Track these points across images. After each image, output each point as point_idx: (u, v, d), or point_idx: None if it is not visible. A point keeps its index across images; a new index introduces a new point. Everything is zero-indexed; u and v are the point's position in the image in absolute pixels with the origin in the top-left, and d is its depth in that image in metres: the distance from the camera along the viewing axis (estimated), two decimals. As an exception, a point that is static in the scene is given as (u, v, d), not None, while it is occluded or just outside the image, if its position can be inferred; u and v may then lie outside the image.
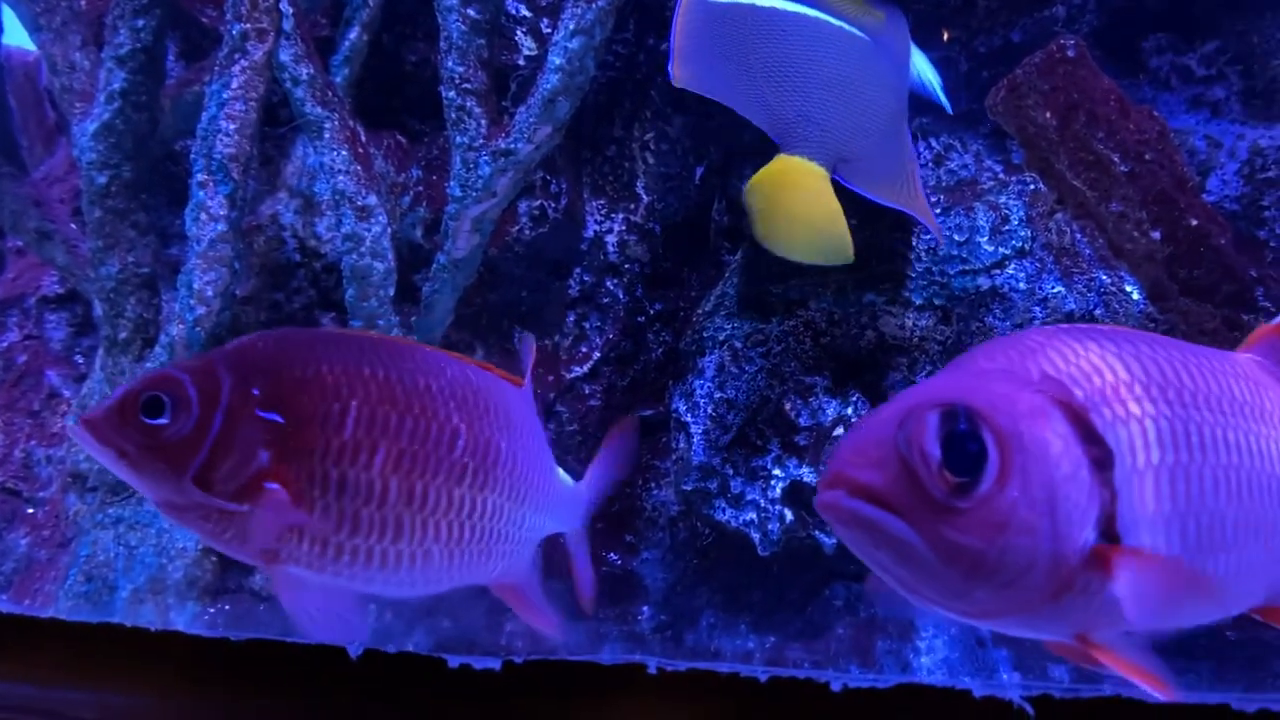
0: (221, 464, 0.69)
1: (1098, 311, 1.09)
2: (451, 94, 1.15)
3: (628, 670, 0.53)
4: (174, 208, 1.29)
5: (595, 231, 1.35)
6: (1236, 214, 1.12)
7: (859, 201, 1.07)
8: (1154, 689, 0.54)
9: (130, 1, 1.20)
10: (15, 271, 1.53)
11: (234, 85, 1.12)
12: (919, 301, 1.15)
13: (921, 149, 1.24)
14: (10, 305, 1.50)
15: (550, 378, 1.32)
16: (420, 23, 1.37)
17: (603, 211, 1.36)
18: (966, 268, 1.14)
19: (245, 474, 0.69)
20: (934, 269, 1.15)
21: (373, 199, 1.15)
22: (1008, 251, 1.13)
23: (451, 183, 1.17)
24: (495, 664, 0.54)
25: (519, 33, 1.33)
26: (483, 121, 1.15)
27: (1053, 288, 1.11)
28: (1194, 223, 0.89)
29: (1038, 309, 1.11)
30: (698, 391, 1.21)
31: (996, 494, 0.51)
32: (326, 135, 1.15)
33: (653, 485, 1.30)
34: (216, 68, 1.14)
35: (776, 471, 1.14)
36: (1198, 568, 0.58)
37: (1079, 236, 1.12)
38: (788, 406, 1.15)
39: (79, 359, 1.45)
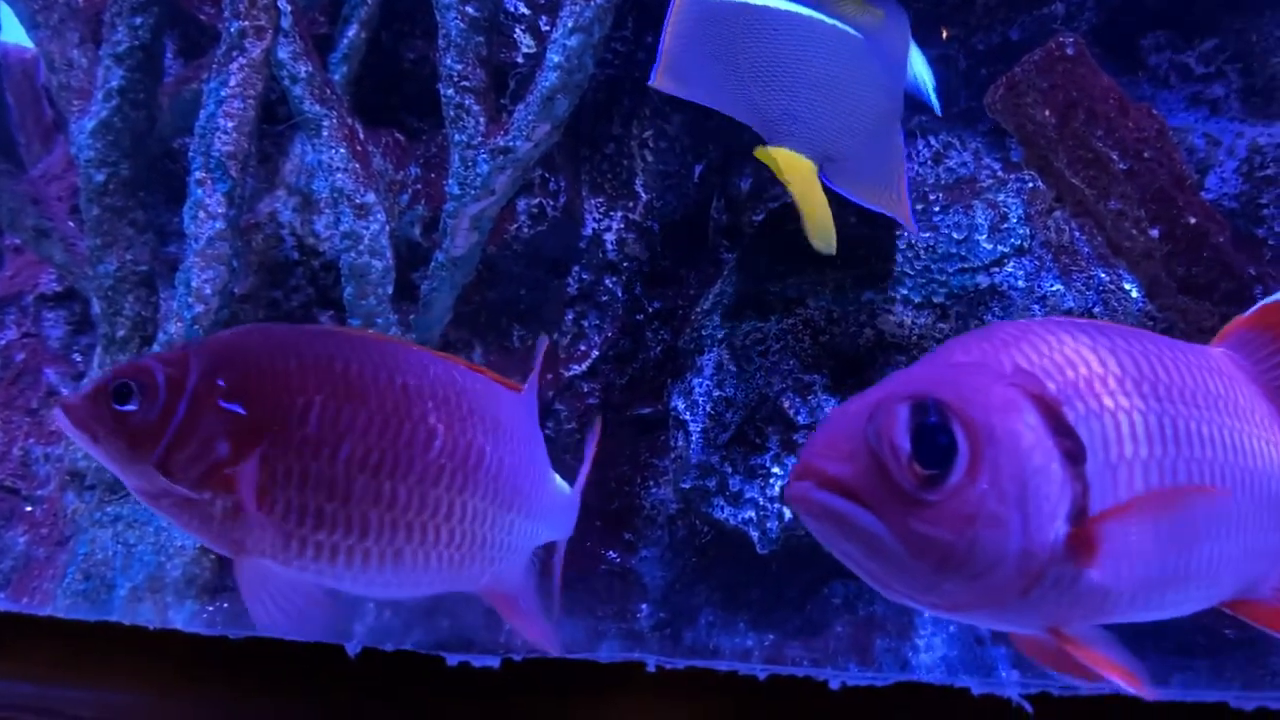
0: (183, 452, 0.70)
1: (1096, 309, 1.09)
2: (450, 92, 1.15)
3: (626, 668, 0.53)
4: (172, 205, 1.29)
5: (594, 229, 1.35)
6: (1235, 212, 1.12)
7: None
8: (1126, 684, 0.54)
9: (128, -1, 1.20)
10: (13, 269, 1.53)
11: (232, 83, 1.12)
12: (918, 299, 1.15)
13: (920, 147, 1.24)
14: (8, 303, 1.50)
15: (549, 376, 1.32)
16: (419, 20, 1.37)
17: (601, 209, 1.36)
18: (965, 266, 1.14)
19: (206, 463, 0.70)
20: (933, 267, 1.15)
21: (371, 197, 1.15)
22: (1006, 249, 1.13)
23: (450, 180, 1.17)
24: (494, 662, 0.54)
25: (517, 30, 1.32)
26: (481, 119, 1.15)
27: (1051, 285, 1.11)
28: (1193, 221, 0.89)
29: (1036, 307, 1.11)
30: (696, 390, 1.20)
31: (966, 486, 0.51)
32: (325, 133, 1.15)
33: (651, 483, 1.30)
34: (215, 65, 1.14)
35: (775, 469, 1.14)
36: (1170, 559, 0.58)
37: (1077, 234, 1.12)
38: (786, 405, 1.15)
39: (77, 357, 1.45)
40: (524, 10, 1.33)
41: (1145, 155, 0.90)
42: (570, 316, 1.34)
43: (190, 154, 1.14)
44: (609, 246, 1.34)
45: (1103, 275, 1.10)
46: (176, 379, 0.70)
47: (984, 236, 1.14)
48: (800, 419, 1.15)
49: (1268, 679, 0.93)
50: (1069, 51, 0.92)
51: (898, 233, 1.17)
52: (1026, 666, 1.05)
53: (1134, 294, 1.08)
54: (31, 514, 1.35)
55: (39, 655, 0.61)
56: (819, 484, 0.51)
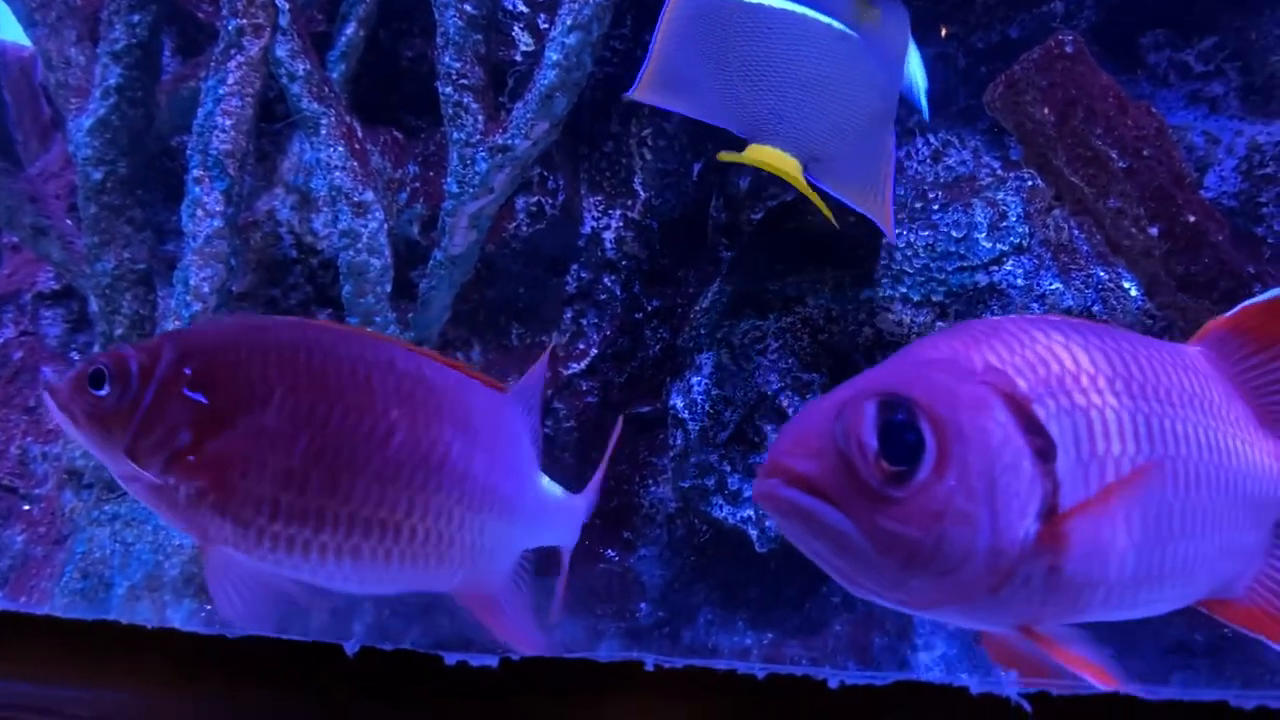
0: (149, 438, 0.72)
1: (1095, 308, 1.09)
2: (448, 90, 1.15)
3: (625, 667, 0.53)
4: (170, 203, 1.29)
5: (593, 228, 1.35)
6: (1234, 210, 1.12)
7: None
8: (1100, 681, 0.54)
9: (126, -4, 1.20)
10: (11, 268, 1.53)
11: (230, 81, 1.12)
12: (917, 298, 1.15)
13: (919, 145, 1.24)
14: (6, 301, 1.50)
15: (547, 374, 1.32)
16: (417, 18, 1.37)
17: (600, 208, 1.35)
18: (964, 264, 1.14)
19: (169, 449, 0.72)
20: (932, 265, 1.15)
21: (369, 195, 1.15)
22: (1005, 248, 1.13)
23: (448, 179, 1.17)
24: (492, 661, 0.54)
25: (516, 28, 1.32)
26: (480, 117, 1.15)
27: (1050, 284, 1.11)
28: (1192, 219, 0.89)
29: (1035, 305, 1.11)
30: (695, 388, 1.20)
31: (934, 483, 0.50)
32: (323, 131, 1.15)
33: (650, 482, 1.30)
34: (212, 63, 1.14)
35: (774, 468, 1.14)
36: (1143, 556, 0.58)
37: (1077, 233, 1.12)
38: (785, 403, 1.15)
39: (75, 355, 1.45)
40: (522, 8, 1.33)
41: (1144, 153, 0.90)
42: (569, 315, 1.34)
43: (188, 152, 1.14)
44: (608, 245, 1.34)
45: (1102, 273, 1.10)
46: (147, 366, 0.72)
47: (983, 235, 1.14)
48: (799, 417, 1.14)
49: (1267, 677, 0.93)
50: (1068, 49, 0.92)
51: (896, 231, 1.17)
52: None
53: (1133, 292, 1.08)
54: (29, 513, 1.35)
55: (36, 654, 0.61)
56: (786, 481, 0.51)
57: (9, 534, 1.34)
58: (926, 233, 1.16)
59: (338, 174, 1.14)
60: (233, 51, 1.12)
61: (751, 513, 1.15)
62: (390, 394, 0.74)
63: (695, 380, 1.21)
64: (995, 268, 1.13)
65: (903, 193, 1.20)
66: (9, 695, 0.60)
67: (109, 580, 1.17)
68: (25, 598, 1.27)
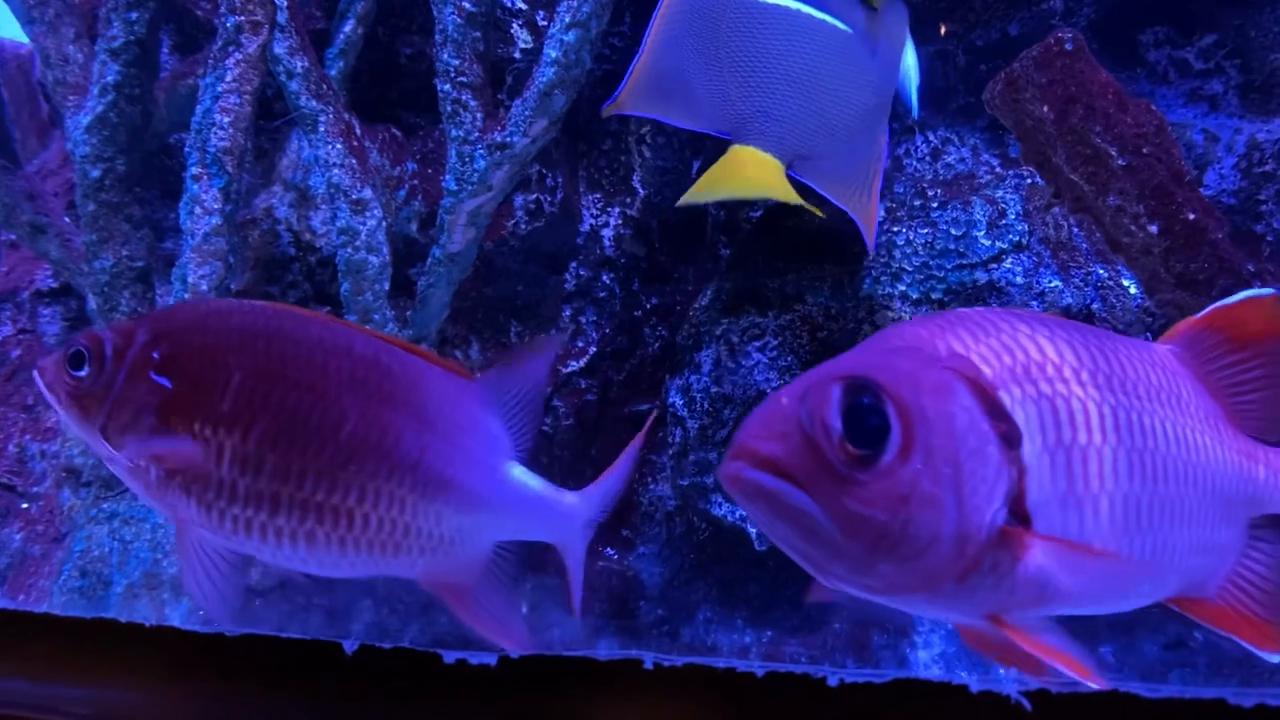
0: (119, 420, 0.74)
1: (1094, 305, 1.09)
2: (447, 87, 1.15)
3: (624, 665, 0.53)
4: (168, 201, 1.29)
5: (591, 225, 1.35)
6: (1234, 208, 1.12)
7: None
8: (1070, 670, 0.54)
9: (124, -6, 1.20)
10: (9, 265, 1.53)
11: (228, 78, 1.12)
12: (916, 296, 1.14)
13: (918, 142, 1.24)
14: (4, 299, 1.50)
15: (547, 367, 1.32)
16: (415, 15, 1.37)
17: (599, 205, 1.35)
18: (963, 262, 1.14)
19: (139, 432, 0.74)
20: (931, 263, 1.15)
21: (368, 193, 1.15)
22: (1005, 246, 1.13)
23: (447, 176, 1.17)
24: (491, 659, 0.54)
25: (514, 26, 1.32)
26: (478, 115, 1.15)
27: (1050, 282, 1.11)
28: (1191, 217, 0.88)
29: (1035, 303, 1.11)
30: (694, 386, 1.20)
31: (899, 466, 0.50)
32: (321, 129, 1.15)
33: (649, 480, 1.29)
34: (211, 60, 1.13)
35: (773, 466, 1.14)
36: (1109, 547, 0.58)
37: (1076, 230, 1.12)
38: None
39: (73, 353, 1.44)
40: (521, 5, 1.33)
41: (1144, 151, 0.90)
42: (568, 313, 1.34)
43: (186, 149, 1.14)
44: (606, 243, 1.34)
45: (1101, 271, 1.10)
46: (121, 349, 0.74)
47: (982, 233, 1.14)
48: (798, 415, 1.14)
49: (1266, 675, 0.93)
50: (1068, 47, 0.92)
51: (895, 229, 1.16)
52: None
53: (1132, 290, 1.08)
54: (28, 511, 1.35)
55: (35, 652, 0.60)
56: (752, 464, 0.51)
57: (7, 532, 1.34)
58: (925, 230, 1.16)
59: (336, 171, 1.14)
60: (231, 49, 1.12)
61: (750, 511, 1.15)
62: (344, 380, 0.75)
63: (694, 378, 1.21)
64: (994, 265, 1.13)
65: (902, 190, 1.20)
66: (8, 693, 0.60)
67: (107, 578, 1.17)
68: (24, 596, 1.26)
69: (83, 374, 0.75)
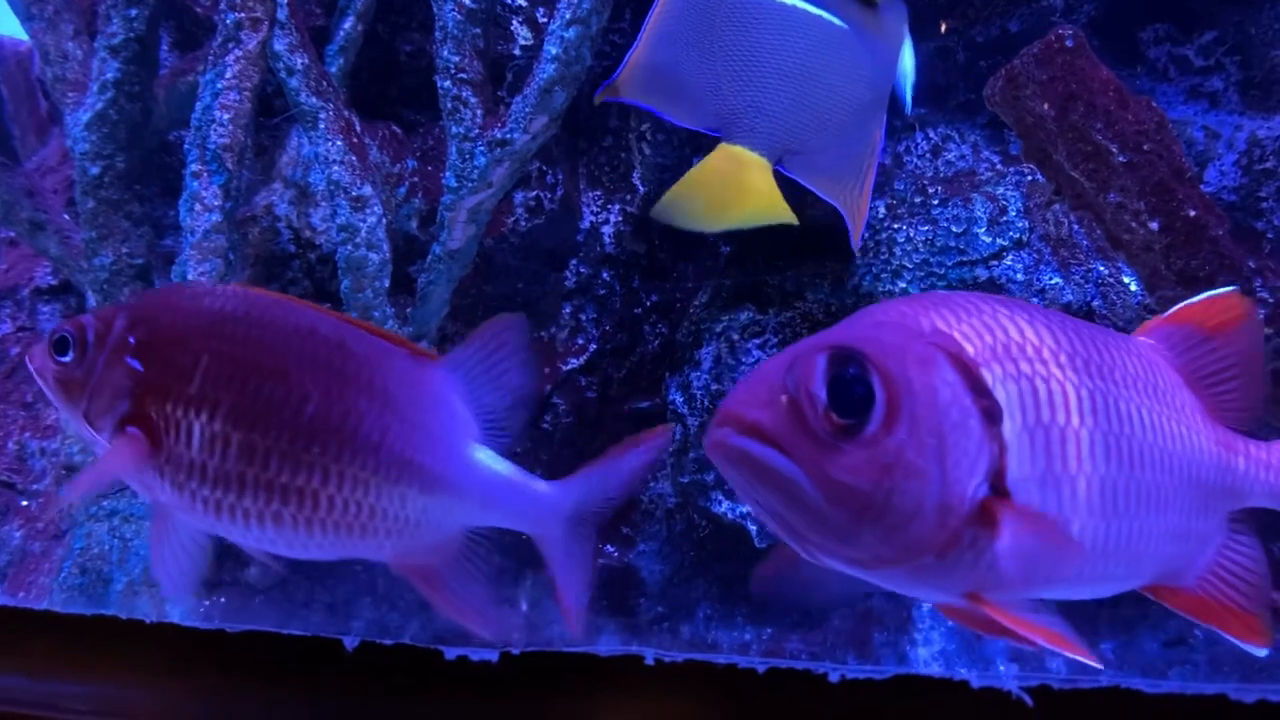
0: (99, 403, 0.77)
1: (1095, 302, 1.09)
2: (447, 84, 1.15)
3: (625, 661, 0.53)
4: (168, 198, 1.29)
5: (591, 223, 1.35)
6: (1234, 205, 1.12)
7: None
8: (1053, 644, 0.54)
9: (123, -10, 1.20)
10: (8, 263, 1.53)
11: (228, 75, 1.12)
12: (916, 293, 1.14)
13: (919, 139, 1.24)
14: (3, 297, 1.50)
15: (546, 369, 1.32)
16: (415, 12, 1.36)
17: (599, 203, 1.35)
18: (964, 259, 1.14)
19: (115, 415, 0.76)
20: (931, 260, 1.15)
21: (368, 190, 1.15)
22: (1005, 243, 1.13)
23: (447, 173, 1.17)
24: (492, 655, 0.54)
25: (515, 22, 1.32)
26: (478, 112, 1.15)
27: (1050, 279, 1.11)
28: (1192, 214, 0.88)
29: (1035, 300, 1.11)
30: (694, 383, 1.20)
31: (883, 436, 0.51)
32: (321, 126, 1.15)
33: (649, 478, 1.30)
34: (210, 57, 1.13)
35: (773, 463, 1.14)
36: (1089, 531, 0.58)
37: (1076, 227, 1.12)
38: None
39: (73, 351, 1.44)
40: (521, 2, 1.33)
41: (1145, 148, 0.90)
42: (568, 310, 1.34)
43: (186, 146, 1.14)
44: (606, 240, 1.34)
45: (1102, 268, 1.10)
46: (101, 334, 0.77)
47: (983, 230, 1.14)
48: (798, 412, 1.14)
49: (1267, 671, 0.93)
50: (1068, 44, 0.92)
51: (896, 226, 1.16)
52: (1025, 660, 1.05)
53: (1133, 287, 1.08)
54: (27, 508, 1.35)
55: (35, 649, 0.60)
56: (738, 430, 0.51)
57: (7, 529, 1.34)
58: (926, 227, 1.16)
59: (336, 168, 1.14)
60: (230, 45, 1.12)
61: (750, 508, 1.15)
62: (306, 362, 0.76)
63: (694, 375, 1.21)
64: (995, 262, 1.13)
65: (902, 187, 1.20)
66: (8, 690, 0.60)
67: (107, 576, 1.17)
68: (23, 593, 1.26)
69: (67, 359, 0.77)
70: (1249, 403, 0.69)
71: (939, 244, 1.15)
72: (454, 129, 1.15)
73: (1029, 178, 1.16)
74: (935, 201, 1.17)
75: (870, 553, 0.53)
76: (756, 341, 1.18)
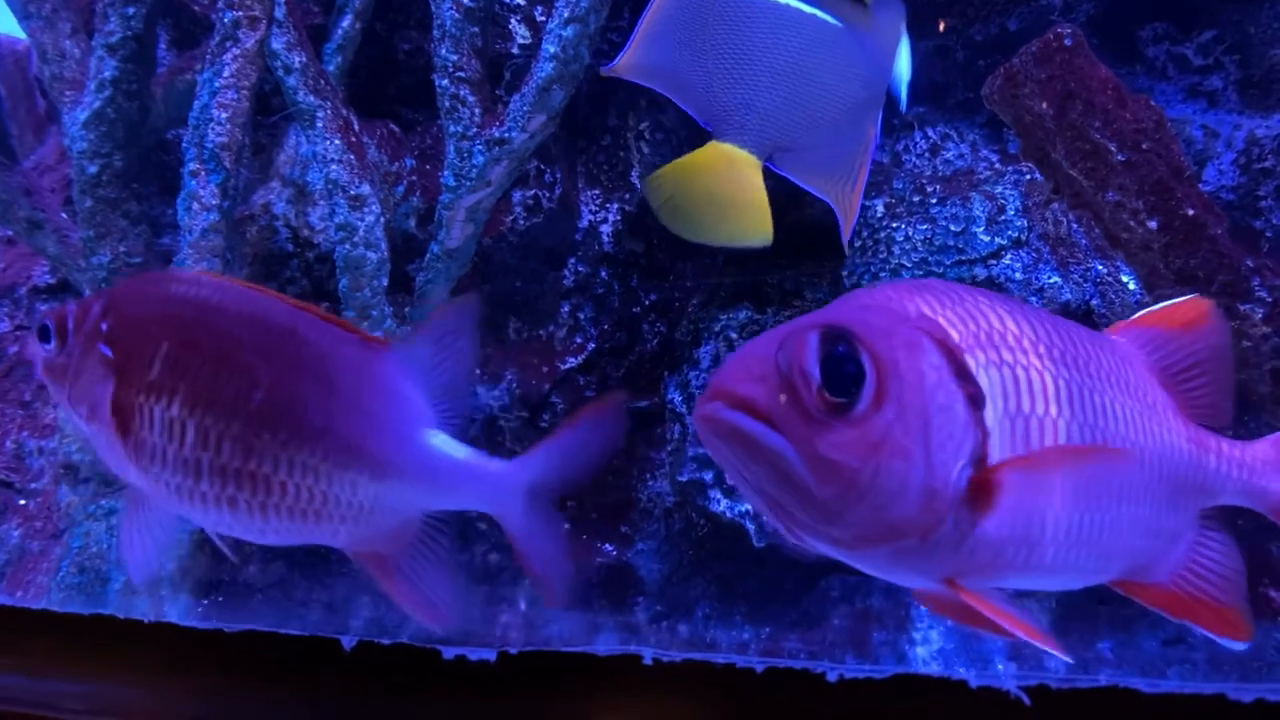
0: (76, 388, 0.80)
1: (1094, 301, 1.09)
2: (445, 82, 1.15)
3: (623, 660, 0.53)
4: (166, 197, 1.29)
5: (590, 221, 1.35)
6: (1233, 204, 1.12)
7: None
8: (1025, 635, 0.54)
9: (121, -11, 1.19)
10: (6, 261, 1.52)
11: (226, 73, 1.11)
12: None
13: (917, 138, 1.24)
14: (1, 295, 1.50)
15: (544, 369, 1.32)
16: (413, 11, 1.36)
17: (597, 201, 1.35)
18: (963, 258, 1.14)
19: (90, 400, 0.79)
20: (930, 259, 1.15)
21: (366, 188, 1.15)
22: (1004, 242, 1.13)
23: (445, 172, 1.16)
24: (490, 655, 0.54)
25: (513, 21, 1.32)
26: (477, 110, 1.15)
27: (1049, 278, 1.11)
28: (1191, 212, 0.88)
29: (1034, 299, 1.11)
30: (693, 382, 1.20)
31: (872, 415, 0.51)
32: (319, 124, 1.14)
33: (648, 476, 1.29)
34: (208, 56, 1.13)
35: (772, 462, 1.14)
36: (1064, 520, 0.59)
37: (1075, 226, 1.12)
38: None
39: (71, 350, 1.44)
40: (519, 1, 1.32)
41: (1143, 147, 0.90)
42: (566, 309, 1.34)
43: (184, 145, 1.14)
44: (605, 238, 1.34)
45: (1100, 267, 1.10)
46: (80, 322, 0.80)
47: (981, 229, 1.14)
48: (797, 411, 1.14)
49: (1264, 670, 0.93)
50: (1067, 42, 0.92)
51: (894, 225, 1.16)
52: (1023, 659, 1.05)
53: (1131, 285, 1.08)
54: (25, 507, 1.35)
55: (33, 648, 0.60)
56: (729, 404, 0.51)
57: (5, 528, 1.33)
58: (924, 226, 1.16)
59: (334, 167, 1.14)
60: (228, 44, 1.12)
61: (749, 507, 1.15)
62: (257, 350, 0.77)
63: (693, 374, 1.21)
64: (993, 261, 1.13)
65: (901, 186, 1.20)
66: (6, 689, 0.59)
67: (105, 575, 1.17)
68: (21, 592, 1.26)
69: (50, 346, 0.80)
70: (1218, 401, 0.70)
71: (937, 243, 1.15)
72: (452, 128, 1.15)
73: (1027, 176, 1.16)
74: (934, 200, 1.17)
75: (855, 532, 0.54)
76: (755, 340, 1.18)
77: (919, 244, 1.15)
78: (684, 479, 1.18)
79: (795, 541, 0.57)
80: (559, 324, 1.34)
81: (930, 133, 1.24)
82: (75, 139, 1.22)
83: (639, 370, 1.34)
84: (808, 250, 1.21)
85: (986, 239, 1.14)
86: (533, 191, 1.31)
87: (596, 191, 1.35)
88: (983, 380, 0.56)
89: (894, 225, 1.17)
